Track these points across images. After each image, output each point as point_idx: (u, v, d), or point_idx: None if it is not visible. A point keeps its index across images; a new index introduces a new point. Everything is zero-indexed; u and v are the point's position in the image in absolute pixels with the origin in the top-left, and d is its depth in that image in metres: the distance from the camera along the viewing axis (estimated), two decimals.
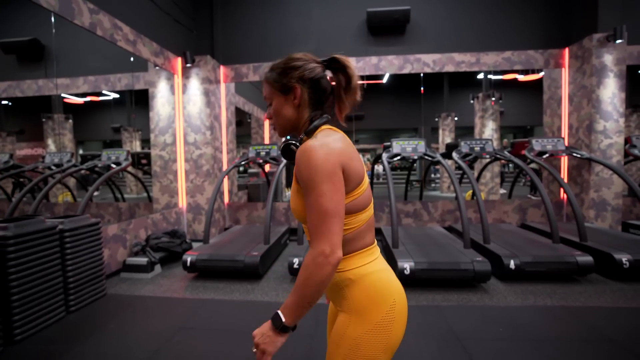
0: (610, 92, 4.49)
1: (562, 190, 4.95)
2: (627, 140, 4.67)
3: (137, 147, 7.08)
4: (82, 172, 6.86)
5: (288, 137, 0.94)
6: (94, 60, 5.20)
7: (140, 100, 5.37)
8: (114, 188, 6.36)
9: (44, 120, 5.51)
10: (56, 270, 2.46)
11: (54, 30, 3.12)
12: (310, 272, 0.75)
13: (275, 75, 0.89)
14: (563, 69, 5.01)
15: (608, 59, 4.46)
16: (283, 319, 0.77)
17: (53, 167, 5.07)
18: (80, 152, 5.35)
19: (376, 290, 0.84)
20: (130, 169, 6.27)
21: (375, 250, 0.92)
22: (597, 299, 2.75)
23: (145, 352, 2.05)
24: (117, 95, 6.59)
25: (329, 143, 0.79)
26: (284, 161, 4.51)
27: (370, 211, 0.89)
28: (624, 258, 3.04)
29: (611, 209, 4.57)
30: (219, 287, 3.16)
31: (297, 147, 0.91)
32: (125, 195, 6.79)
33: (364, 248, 0.88)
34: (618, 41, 4.28)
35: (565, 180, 5.05)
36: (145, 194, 6.70)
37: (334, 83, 0.92)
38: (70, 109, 5.67)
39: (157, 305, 2.76)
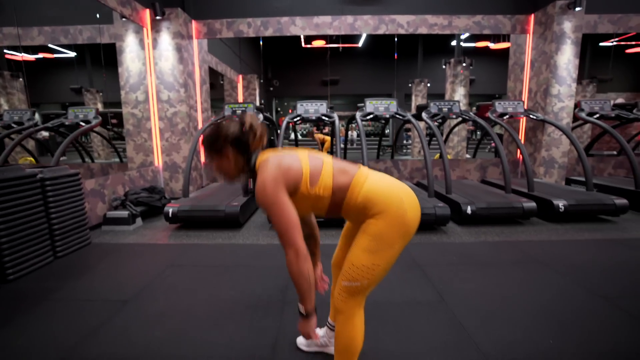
0: (567, 58, 4.85)
1: (519, 150, 5.42)
2: (577, 105, 5.13)
3: (99, 109, 6.76)
4: (43, 134, 6.49)
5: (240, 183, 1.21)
6: (51, 9, 4.81)
7: (100, 58, 5.07)
8: (82, 151, 6.14)
9: None
10: (40, 217, 2.52)
11: None
12: (292, 271, 1.03)
13: (208, 145, 1.16)
14: (528, 35, 5.29)
15: (567, 26, 4.76)
16: (301, 310, 1.08)
17: (14, 126, 4.82)
18: (27, 113, 4.97)
19: (382, 197, 1.08)
20: (98, 129, 6.05)
21: (362, 173, 1.14)
22: (535, 235, 3.23)
23: (138, 284, 2.23)
24: (74, 54, 6.14)
25: (266, 176, 1.04)
26: (260, 119, 4.58)
27: (327, 165, 1.13)
28: (561, 203, 3.53)
29: (558, 166, 5.11)
30: (202, 235, 3.34)
31: (250, 181, 1.17)
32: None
33: (350, 181, 1.12)
34: (577, 9, 4.56)
35: (522, 140, 5.52)
36: (113, 160, 6.51)
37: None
38: (21, 67, 5.23)
39: (143, 250, 2.91)
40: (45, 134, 6.51)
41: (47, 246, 2.57)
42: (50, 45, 5.47)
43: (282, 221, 1.02)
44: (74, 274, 2.40)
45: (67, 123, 4.72)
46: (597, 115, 4.98)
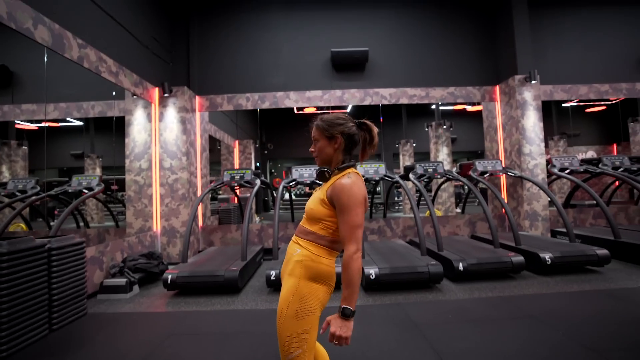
0: (532, 122, 5.43)
1: None
2: (549, 161, 5.59)
3: (98, 174, 6.99)
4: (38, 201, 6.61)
5: (324, 167, 1.32)
6: (71, 88, 5.31)
7: (104, 127, 5.49)
8: (77, 216, 6.20)
9: None
10: (42, 288, 2.55)
11: (45, 59, 3.34)
12: (350, 265, 1.13)
13: (325, 125, 1.29)
14: (496, 102, 5.97)
15: (528, 95, 5.44)
16: (351, 308, 1.12)
17: (17, 194, 4.98)
18: (31, 181, 5.13)
19: (325, 274, 1.23)
20: (99, 195, 6.20)
21: (336, 256, 1.30)
22: (527, 289, 3.32)
23: (138, 356, 2.21)
24: (81, 123, 6.58)
25: (359, 183, 1.22)
26: (257, 185, 4.84)
27: None
28: (547, 256, 3.69)
29: (541, 219, 5.37)
30: (200, 301, 3.33)
31: (329, 174, 1.29)
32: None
33: (335, 252, 1.28)
34: (533, 82, 5.27)
35: (505, 195, 5.86)
36: (107, 223, 6.56)
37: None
38: (27, 136, 5.55)
39: (141, 319, 2.88)
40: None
41: (44, 318, 2.55)
42: None
43: (355, 220, 1.16)
44: (71, 348, 2.36)
45: (70, 191, 4.90)
46: (568, 170, 5.42)
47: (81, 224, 6.23)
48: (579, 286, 3.37)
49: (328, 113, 1.38)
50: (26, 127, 5.52)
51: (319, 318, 1.22)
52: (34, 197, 4.88)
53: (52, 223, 6.57)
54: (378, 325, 2.58)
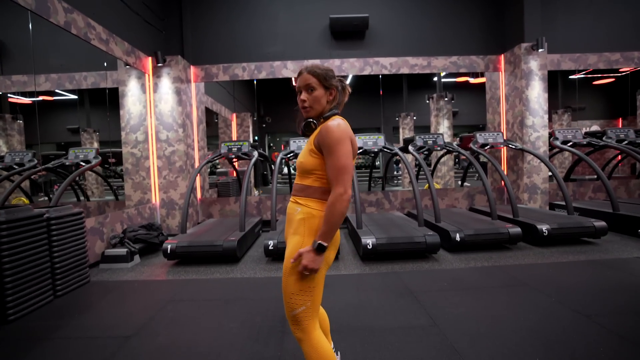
0: (536, 92, 5.29)
1: None
2: (552, 134, 5.50)
3: (95, 147, 6.93)
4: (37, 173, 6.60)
5: (309, 119, 1.28)
6: (61, 58, 5.14)
7: (99, 100, 5.37)
8: (77, 189, 6.21)
9: None
10: (44, 256, 2.58)
11: (30, 27, 3.20)
12: (333, 206, 1.12)
13: (324, 74, 1.25)
14: (500, 73, 5.78)
15: (534, 64, 5.25)
16: (324, 243, 1.13)
17: (15, 167, 4.95)
18: (28, 154, 5.08)
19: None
20: (97, 168, 6.18)
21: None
22: (523, 259, 3.37)
23: (141, 319, 2.28)
24: (75, 97, 6.44)
25: (343, 125, 1.19)
26: (255, 156, 4.80)
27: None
28: (544, 227, 3.71)
29: (540, 192, 5.37)
30: (200, 270, 3.40)
31: (315, 124, 1.27)
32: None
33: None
34: (540, 50, 5.07)
35: (505, 168, 5.82)
36: (107, 197, 6.59)
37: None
38: (22, 110, 5.46)
39: (143, 287, 2.95)
40: None
41: (48, 285, 2.61)
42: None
43: (341, 161, 1.13)
44: (75, 312, 2.43)
45: (67, 163, 4.87)
46: (571, 143, 5.34)
47: (82, 197, 6.26)
48: (574, 257, 3.41)
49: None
50: (20, 101, 5.40)
51: (324, 276, 1.24)
52: (32, 170, 4.86)
53: (52, 197, 6.60)
54: (374, 292, 2.63)
